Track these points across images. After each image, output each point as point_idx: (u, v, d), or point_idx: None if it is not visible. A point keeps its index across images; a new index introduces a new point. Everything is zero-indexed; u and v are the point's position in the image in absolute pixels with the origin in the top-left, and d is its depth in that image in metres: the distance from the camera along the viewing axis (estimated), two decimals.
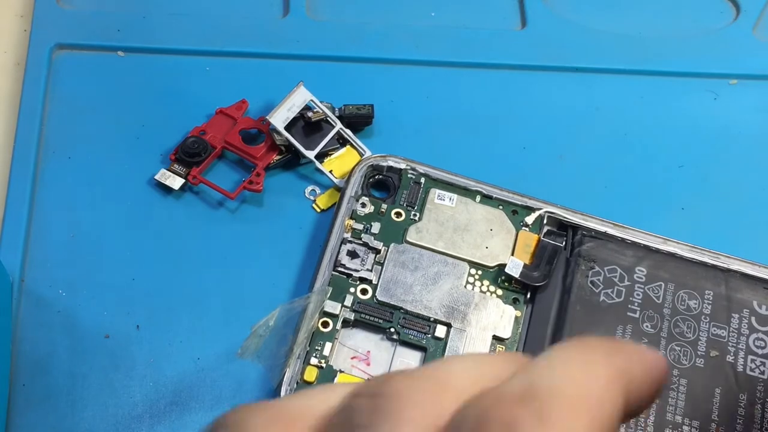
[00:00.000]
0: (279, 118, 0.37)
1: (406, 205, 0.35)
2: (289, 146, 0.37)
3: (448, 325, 0.32)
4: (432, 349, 0.32)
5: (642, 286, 0.33)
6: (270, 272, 0.35)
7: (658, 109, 0.41)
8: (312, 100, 0.37)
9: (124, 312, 0.33)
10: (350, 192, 0.35)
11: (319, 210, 0.36)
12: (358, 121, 0.38)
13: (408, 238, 0.34)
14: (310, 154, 0.37)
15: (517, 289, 0.34)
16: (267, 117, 0.36)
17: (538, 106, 0.41)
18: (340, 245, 0.34)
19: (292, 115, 0.37)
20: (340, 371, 0.31)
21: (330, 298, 0.32)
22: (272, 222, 0.36)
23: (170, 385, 0.32)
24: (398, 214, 0.35)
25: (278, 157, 0.37)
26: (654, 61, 0.43)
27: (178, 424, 0.31)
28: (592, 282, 0.33)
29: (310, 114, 0.37)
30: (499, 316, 0.33)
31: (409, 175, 0.36)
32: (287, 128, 0.37)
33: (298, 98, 0.37)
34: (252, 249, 0.35)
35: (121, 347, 0.33)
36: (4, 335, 0.31)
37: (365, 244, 0.34)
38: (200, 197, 0.37)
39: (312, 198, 0.37)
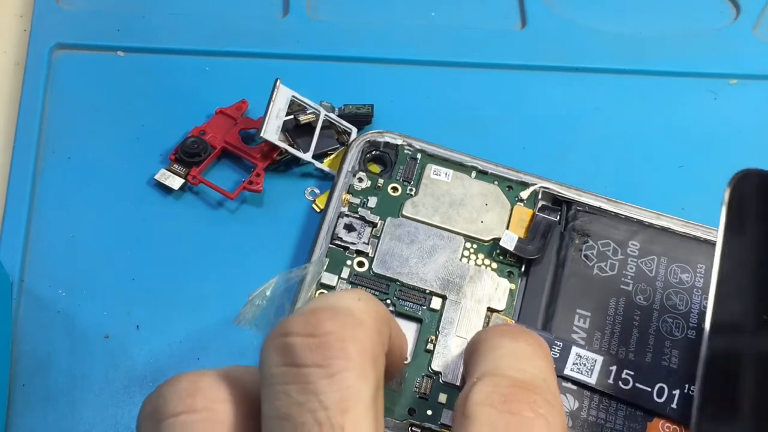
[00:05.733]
0: (271, 131, 0.36)
1: (403, 180, 0.36)
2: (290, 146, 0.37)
3: (444, 297, 0.33)
4: (427, 321, 0.32)
5: (635, 260, 0.34)
6: (270, 272, 0.34)
7: (658, 109, 0.41)
8: (294, 96, 0.37)
9: (124, 312, 0.33)
10: (347, 167, 0.35)
11: (318, 210, 0.36)
12: (358, 120, 0.38)
13: (404, 213, 0.35)
14: (307, 156, 0.37)
15: (511, 262, 0.34)
16: (260, 134, 0.36)
17: (538, 106, 0.41)
18: (338, 219, 0.34)
19: (281, 122, 0.37)
20: None
21: (327, 270, 0.33)
22: (272, 222, 0.36)
23: None
24: (395, 189, 0.35)
25: (278, 158, 0.37)
26: (654, 61, 0.43)
27: None
28: (585, 255, 0.34)
29: (301, 117, 0.37)
30: (493, 289, 0.33)
31: (405, 151, 0.36)
32: (282, 132, 0.37)
33: (281, 100, 0.37)
34: (252, 249, 0.35)
35: (121, 347, 0.33)
36: (4, 335, 0.31)
37: (362, 218, 0.34)
38: (200, 197, 0.37)
39: (312, 198, 0.37)
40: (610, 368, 0.31)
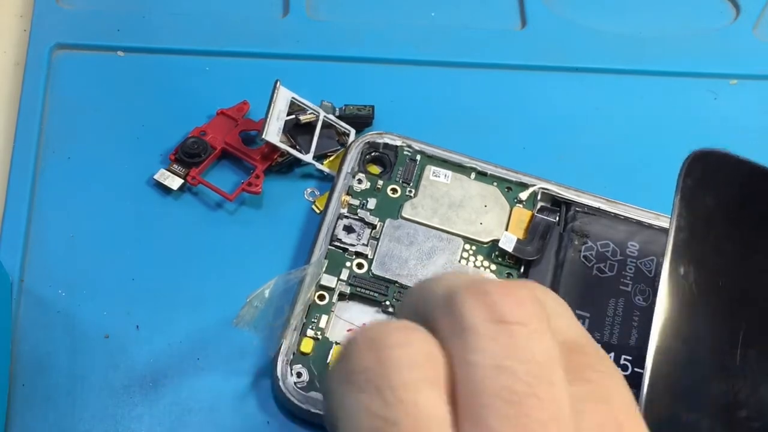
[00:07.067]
0: (273, 132, 0.36)
1: (402, 182, 0.36)
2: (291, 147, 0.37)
3: None
4: None
5: (634, 261, 0.34)
6: (269, 273, 0.34)
7: (658, 109, 0.41)
8: (294, 98, 0.37)
9: (124, 312, 0.33)
10: (347, 168, 0.35)
11: (318, 211, 0.36)
12: (359, 121, 0.38)
13: (403, 214, 0.35)
14: (308, 157, 0.37)
15: (510, 264, 0.34)
16: (262, 136, 0.36)
17: (538, 106, 0.41)
18: (337, 220, 0.34)
19: (282, 123, 0.36)
20: (336, 343, 0.32)
21: (326, 272, 0.33)
22: (271, 223, 0.36)
23: (170, 385, 0.32)
24: (394, 191, 0.35)
25: (279, 159, 0.37)
26: (654, 61, 0.43)
27: (178, 424, 0.31)
28: (585, 257, 0.34)
29: (301, 117, 0.37)
30: None
31: (404, 152, 0.36)
32: (284, 133, 0.37)
33: (281, 102, 0.37)
34: (251, 250, 0.35)
35: (121, 347, 0.33)
36: (4, 335, 0.31)
37: (361, 220, 0.34)
38: (199, 198, 0.37)
39: (311, 199, 0.37)
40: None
